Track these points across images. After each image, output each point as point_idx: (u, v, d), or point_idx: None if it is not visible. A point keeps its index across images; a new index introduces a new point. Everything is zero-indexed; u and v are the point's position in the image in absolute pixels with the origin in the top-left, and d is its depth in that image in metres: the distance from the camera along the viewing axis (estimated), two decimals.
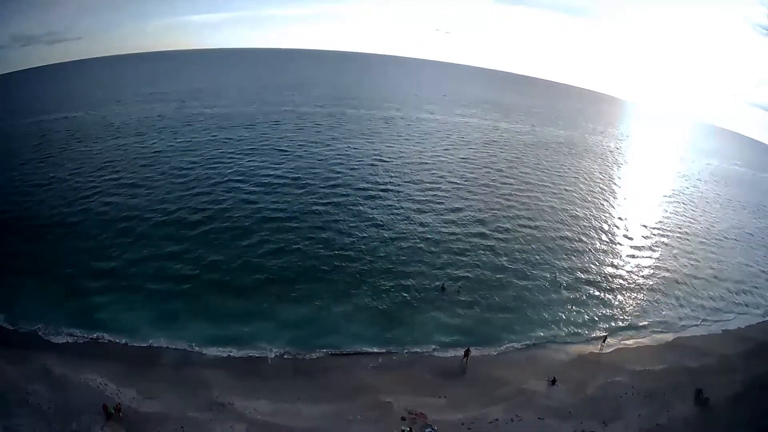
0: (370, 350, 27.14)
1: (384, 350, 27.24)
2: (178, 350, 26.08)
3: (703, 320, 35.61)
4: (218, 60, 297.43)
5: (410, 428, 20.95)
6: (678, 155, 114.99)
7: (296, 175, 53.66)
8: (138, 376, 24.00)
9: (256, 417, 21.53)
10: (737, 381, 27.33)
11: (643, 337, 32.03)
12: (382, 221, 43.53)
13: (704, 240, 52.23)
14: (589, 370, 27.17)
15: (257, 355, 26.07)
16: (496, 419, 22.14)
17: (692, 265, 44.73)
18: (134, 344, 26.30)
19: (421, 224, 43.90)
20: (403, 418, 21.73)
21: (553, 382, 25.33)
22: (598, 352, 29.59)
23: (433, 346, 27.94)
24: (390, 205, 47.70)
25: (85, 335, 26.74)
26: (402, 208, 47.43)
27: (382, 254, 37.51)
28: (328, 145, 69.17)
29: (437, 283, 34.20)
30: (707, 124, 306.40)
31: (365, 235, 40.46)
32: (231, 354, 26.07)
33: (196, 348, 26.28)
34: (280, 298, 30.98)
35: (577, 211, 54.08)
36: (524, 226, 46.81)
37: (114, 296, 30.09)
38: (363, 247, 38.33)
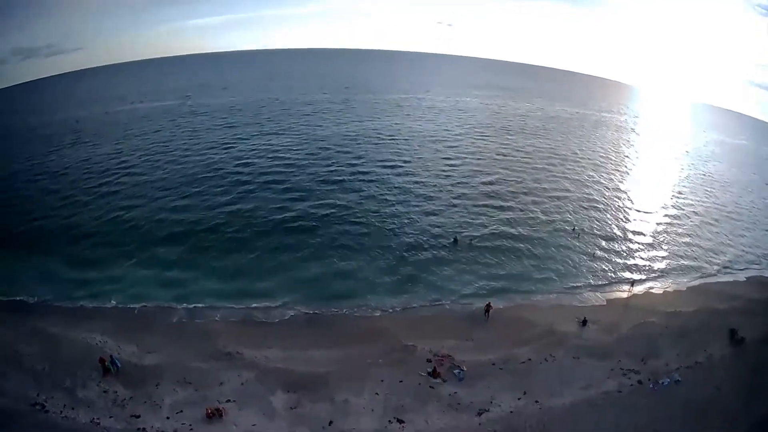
0: (388, 303, 25.49)
1: (402, 302, 25.62)
2: (183, 308, 24.50)
3: (726, 268, 34.30)
4: (223, 61, 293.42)
5: (435, 368, 19.35)
6: (686, 131, 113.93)
7: (317, 152, 53.53)
8: (139, 332, 22.49)
9: (267, 364, 19.90)
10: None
11: (670, 283, 30.61)
12: (398, 188, 42.75)
13: (720, 204, 50.29)
14: (619, 312, 25.70)
15: (269, 309, 24.41)
16: (529, 359, 20.55)
17: (711, 222, 43.43)
18: (136, 305, 24.81)
19: (438, 190, 43.03)
20: (428, 360, 20.12)
21: (584, 323, 23.78)
22: (626, 296, 28.13)
23: (453, 297, 26.38)
24: (407, 174, 47.21)
25: (85, 299, 25.31)
26: (419, 176, 46.67)
27: (395, 217, 36.34)
28: (345, 125, 69.70)
29: (452, 238, 32.88)
30: (710, 104, 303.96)
31: (380, 200, 39.62)
32: (239, 308, 24.45)
33: (203, 305, 24.66)
34: (294, 257, 29.66)
35: (593, 176, 53.22)
36: (540, 188, 46.14)
37: (118, 263, 28.79)
38: (376, 210, 37.25)
